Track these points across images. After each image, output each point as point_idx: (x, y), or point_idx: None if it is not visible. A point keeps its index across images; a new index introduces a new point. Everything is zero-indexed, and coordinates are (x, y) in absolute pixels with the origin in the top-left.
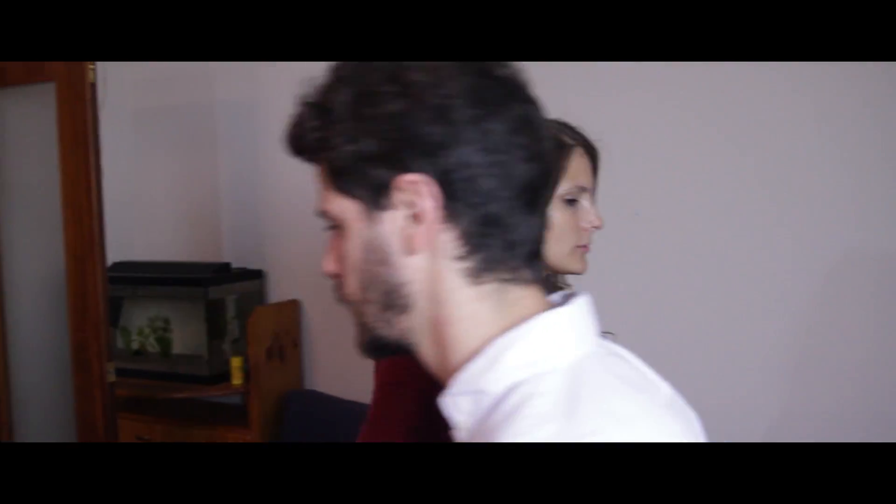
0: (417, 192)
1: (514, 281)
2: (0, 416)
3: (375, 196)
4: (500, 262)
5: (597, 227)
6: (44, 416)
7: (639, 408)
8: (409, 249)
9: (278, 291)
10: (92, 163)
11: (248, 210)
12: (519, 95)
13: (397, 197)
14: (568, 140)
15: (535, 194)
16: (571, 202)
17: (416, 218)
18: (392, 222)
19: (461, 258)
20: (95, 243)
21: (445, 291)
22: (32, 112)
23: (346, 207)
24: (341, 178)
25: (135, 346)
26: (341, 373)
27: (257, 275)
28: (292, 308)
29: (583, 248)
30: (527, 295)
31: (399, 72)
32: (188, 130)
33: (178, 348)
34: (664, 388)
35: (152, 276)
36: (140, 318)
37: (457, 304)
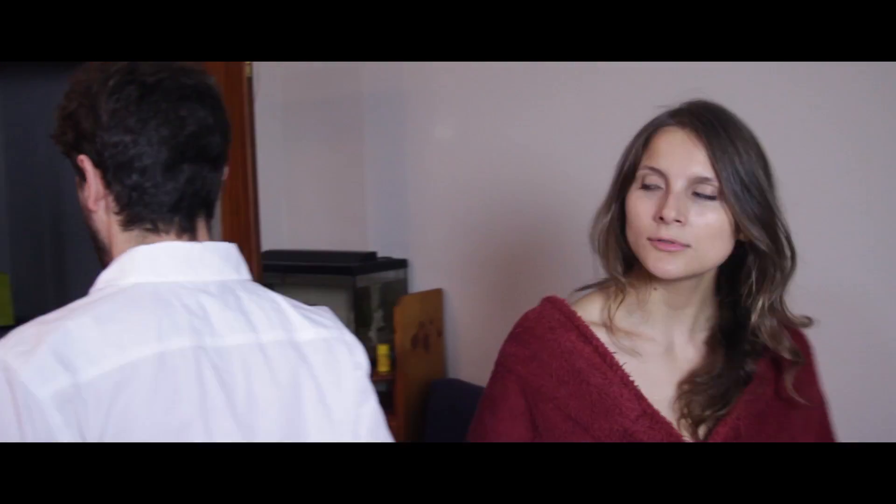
0: (85, 168)
1: (154, 230)
2: None
3: (78, 171)
4: (141, 217)
5: (665, 220)
6: None
7: (74, 313)
8: (86, 208)
9: (421, 280)
10: (249, 155)
11: (392, 200)
12: (162, 94)
13: (83, 172)
14: (666, 117)
15: (172, 168)
16: (648, 187)
17: (89, 186)
18: (86, 189)
19: (117, 214)
20: (251, 233)
21: (112, 236)
22: None
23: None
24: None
25: None
26: (484, 362)
27: (402, 264)
28: (436, 297)
29: (656, 241)
30: (161, 239)
31: (73, 76)
32: (336, 122)
33: None
34: (178, 341)
35: (301, 264)
36: None
37: (117, 245)
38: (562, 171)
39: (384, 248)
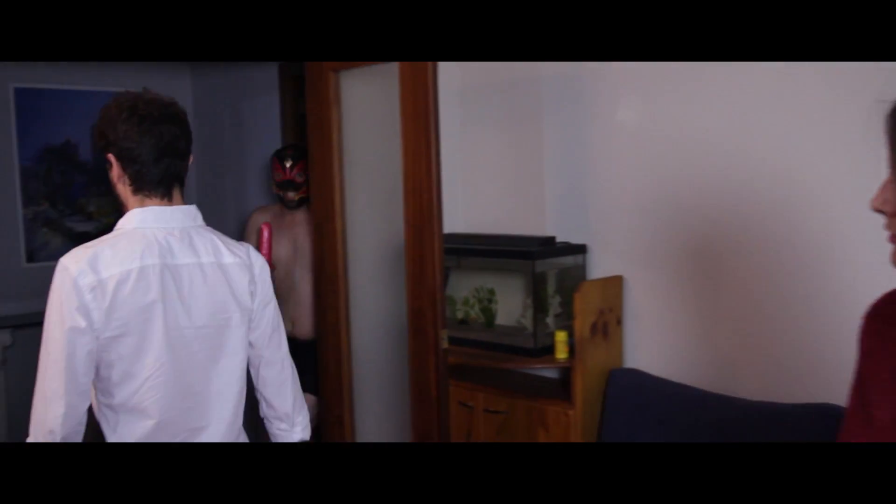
0: (111, 160)
1: (148, 196)
2: (342, 371)
3: (107, 162)
4: (140, 189)
5: (877, 211)
6: (379, 374)
7: (102, 243)
8: (113, 183)
9: (600, 267)
10: (432, 138)
11: (572, 184)
12: (151, 120)
13: (111, 162)
14: None
15: (157, 161)
16: None
17: (114, 171)
18: (112, 172)
19: (128, 186)
20: (434, 215)
21: (126, 199)
22: (374, 90)
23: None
24: None
25: (459, 315)
26: (664, 352)
27: (581, 249)
28: (616, 284)
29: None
30: (151, 202)
31: (103, 108)
32: (514, 105)
33: (500, 319)
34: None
35: (479, 247)
36: (465, 289)
37: (129, 204)
38: (762, 168)
39: (562, 233)
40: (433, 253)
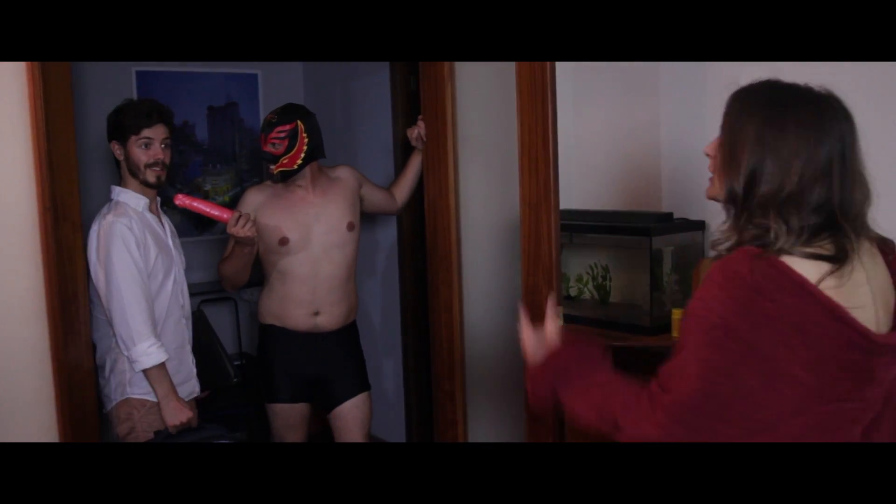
0: (113, 147)
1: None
2: (454, 347)
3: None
4: (132, 167)
5: (706, 154)
6: (492, 351)
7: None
8: (117, 160)
9: None
10: (549, 114)
11: (689, 159)
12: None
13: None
14: None
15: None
16: None
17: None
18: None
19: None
20: (550, 191)
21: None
22: (489, 66)
23: None
24: None
25: (572, 292)
26: None
27: (699, 226)
28: None
29: None
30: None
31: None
32: (628, 80)
33: (615, 297)
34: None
35: (593, 223)
36: (578, 266)
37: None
38: None
39: (677, 210)
40: (549, 229)
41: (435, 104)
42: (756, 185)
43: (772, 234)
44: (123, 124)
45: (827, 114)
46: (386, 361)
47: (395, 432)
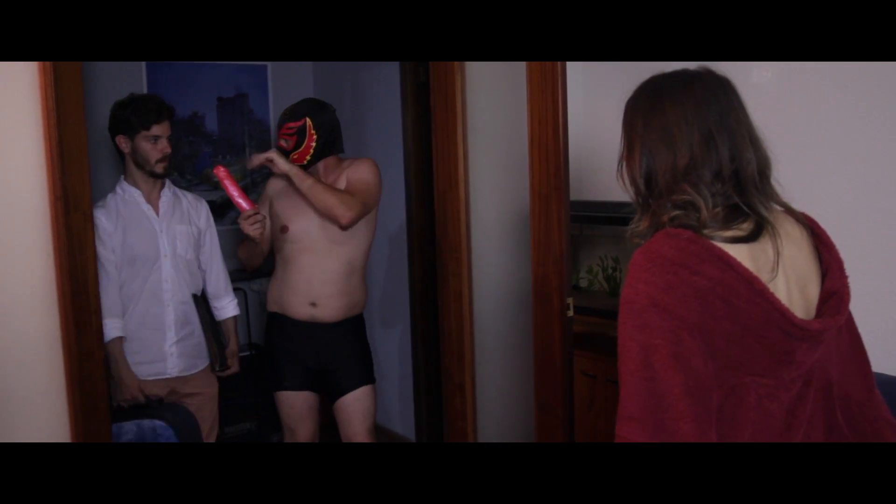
0: (119, 140)
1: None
2: (464, 339)
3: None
4: (141, 161)
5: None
6: (501, 342)
7: None
8: (122, 154)
9: None
10: (560, 104)
11: None
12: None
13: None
14: None
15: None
16: None
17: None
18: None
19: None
20: (561, 182)
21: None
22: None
23: None
24: None
25: (582, 283)
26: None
27: None
28: None
29: None
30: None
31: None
32: (639, 71)
33: None
34: None
35: (603, 215)
36: (588, 257)
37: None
38: None
39: None
40: (559, 220)
41: (445, 95)
42: (654, 167)
43: (696, 203)
44: (132, 120)
45: (697, 86)
46: (395, 353)
47: (405, 424)
